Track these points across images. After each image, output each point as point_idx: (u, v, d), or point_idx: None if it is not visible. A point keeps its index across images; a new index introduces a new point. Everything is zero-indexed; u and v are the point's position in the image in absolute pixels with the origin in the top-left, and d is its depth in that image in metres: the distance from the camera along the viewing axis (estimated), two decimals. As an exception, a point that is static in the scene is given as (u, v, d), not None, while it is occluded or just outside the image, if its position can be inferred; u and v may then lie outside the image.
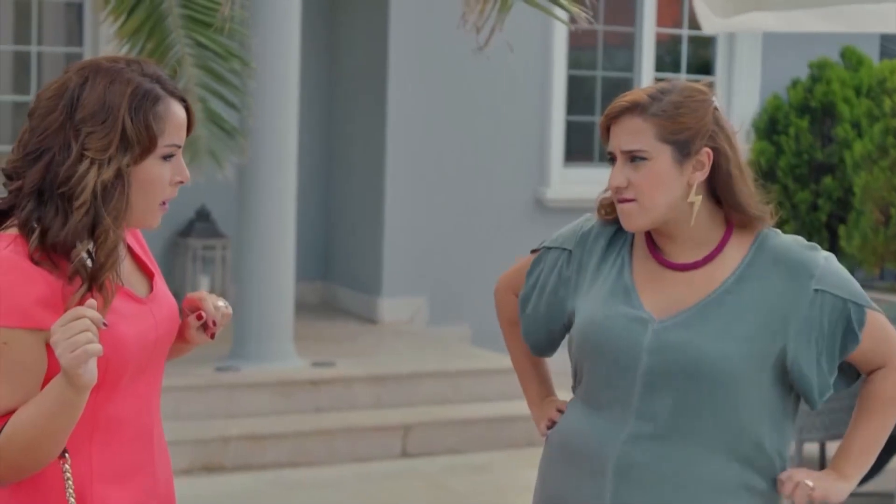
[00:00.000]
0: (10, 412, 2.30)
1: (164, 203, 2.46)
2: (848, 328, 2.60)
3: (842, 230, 10.06)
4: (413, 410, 7.49)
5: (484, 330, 9.24)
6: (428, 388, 7.68)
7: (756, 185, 2.67)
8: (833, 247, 10.30)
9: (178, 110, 2.44)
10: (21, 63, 9.28)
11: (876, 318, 2.65)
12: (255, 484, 6.58)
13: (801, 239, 2.66)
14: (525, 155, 9.57)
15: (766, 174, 10.21)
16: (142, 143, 2.38)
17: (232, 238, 8.42)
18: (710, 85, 2.72)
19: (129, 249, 2.57)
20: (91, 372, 2.22)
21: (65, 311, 2.26)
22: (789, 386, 2.61)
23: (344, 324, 9.17)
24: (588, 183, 9.65)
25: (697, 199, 2.60)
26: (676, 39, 10.39)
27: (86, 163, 2.34)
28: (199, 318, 2.60)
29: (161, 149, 2.41)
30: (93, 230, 2.35)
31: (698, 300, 2.59)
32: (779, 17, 6.38)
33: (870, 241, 9.77)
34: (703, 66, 10.48)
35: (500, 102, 9.44)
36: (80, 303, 2.28)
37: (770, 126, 10.36)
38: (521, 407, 7.59)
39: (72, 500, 2.35)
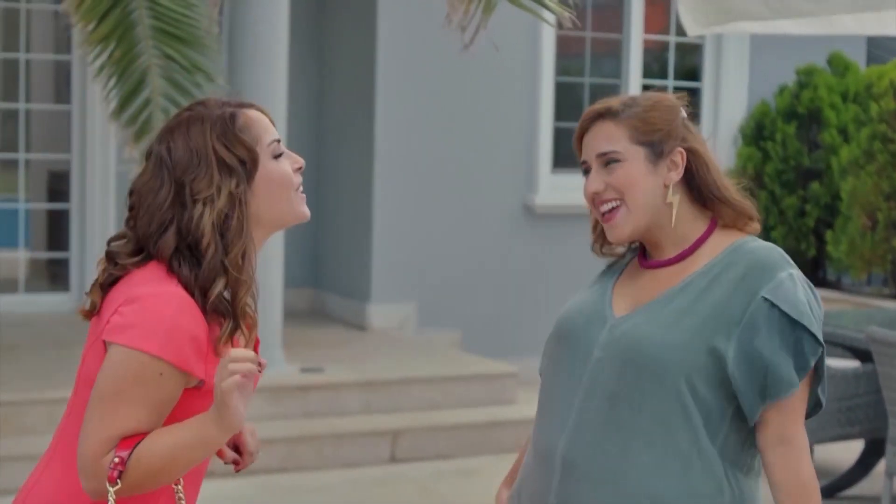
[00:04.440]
0: (138, 435, 2.39)
1: (299, 190, 2.58)
2: (798, 350, 2.51)
3: (829, 235, 10.10)
4: (402, 416, 7.50)
5: (473, 335, 9.26)
6: (417, 394, 7.69)
7: (740, 190, 2.68)
8: (821, 252, 10.35)
9: (255, 114, 2.57)
10: (10, 71, 9.29)
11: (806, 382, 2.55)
12: (244, 489, 6.59)
13: (778, 249, 2.61)
14: (513, 161, 9.59)
15: (754, 180, 10.25)
16: (244, 160, 2.50)
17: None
18: (685, 95, 2.73)
19: None
20: (240, 414, 2.35)
21: (216, 354, 2.44)
22: (731, 393, 2.53)
23: (333, 330, 9.18)
24: (576, 189, 9.58)
25: (675, 198, 2.61)
26: (663, 46, 10.42)
27: (199, 206, 2.46)
28: (236, 462, 2.77)
29: (266, 151, 2.53)
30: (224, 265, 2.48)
31: (656, 296, 2.60)
32: (763, 24, 6.43)
33: (857, 246, 9.81)
34: (690, 72, 10.52)
35: (489, 109, 9.47)
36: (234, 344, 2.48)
37: (757, 132, 10.39)
38: (509, 412, 7.65)
39: None
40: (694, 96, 10.47)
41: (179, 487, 2.46)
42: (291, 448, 7.03)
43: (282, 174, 2.54)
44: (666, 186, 2.61)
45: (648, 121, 2.60)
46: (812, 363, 2.52)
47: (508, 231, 9.55)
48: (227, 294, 2.47)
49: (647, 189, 2.60)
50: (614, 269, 2.76)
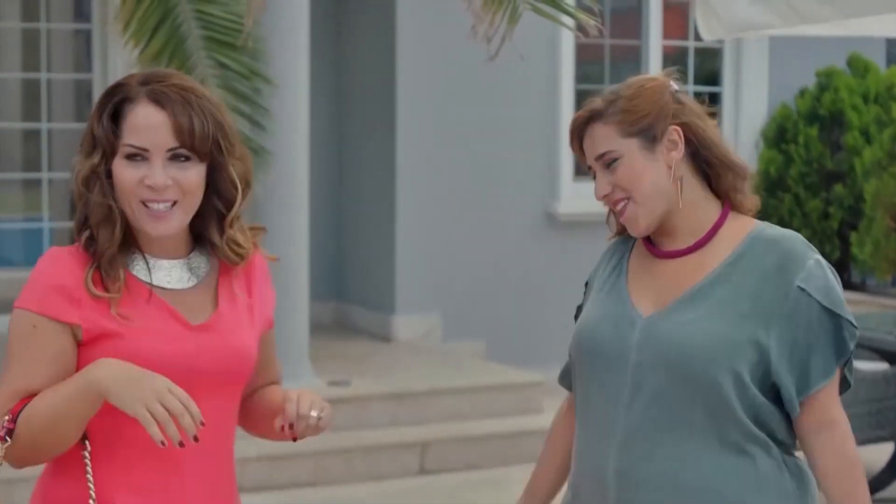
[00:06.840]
0: (34, 395, 2.37)
1: (146, 206, 2.42)
2: (838, 334, 2.54)
3: (854, 237, 10.07)
4: (430, 427, 7.50)
5: (498, 345, 9.25)
6: (444, 405, 7.68)
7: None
8: (845, 254, 10.31)
9: (148, 112, 2.41)
10: (31, 91, 9.33)
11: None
12: (274, 504, 6.60)
13: (798, 234, 2.61)
14: (535, 169, 9.58)
15: (776, 183, 10.23)
16: (102, 141, 2.44)
17: (245, 259, 8.44)
18: (673, 71, 2.72)
19: (222, 276, 2.56)
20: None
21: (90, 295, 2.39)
22: (775, 383, 2.53)
23: (359, 342, 9.18)
24: (598, 196, 9.68)
25: (681, 173, 2.60)
26: (683, 51, 10.41)
27: (78, 157, 2.47)
28: (291, 427, 2.48)
29: (122, 148, 2.43)
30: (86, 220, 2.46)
31: (685, 290, 2.57)
32: (781, 28, 6.44)
33: (882, 247, 9.77)
34: (710, 77, 10.50)
35: (509, 118, 9.46)
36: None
37: (779, 135, 10.37)
38: (537, 421, 7.63)
39: (90, 484, 2.41)
40: (714, 101, 10.46)
41: (86, 453, 2.41)
42: (320, 462, 7.04)
43: (123, 177, 2.42)
44: (669, 167, 2.59)
45: (634, 110, 2.60)
46: (852, 347, 2.55)
47: (531, 239, 9.54)
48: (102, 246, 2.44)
49: (653, 178, 2.59)
50: (616, 268, 2.72)
